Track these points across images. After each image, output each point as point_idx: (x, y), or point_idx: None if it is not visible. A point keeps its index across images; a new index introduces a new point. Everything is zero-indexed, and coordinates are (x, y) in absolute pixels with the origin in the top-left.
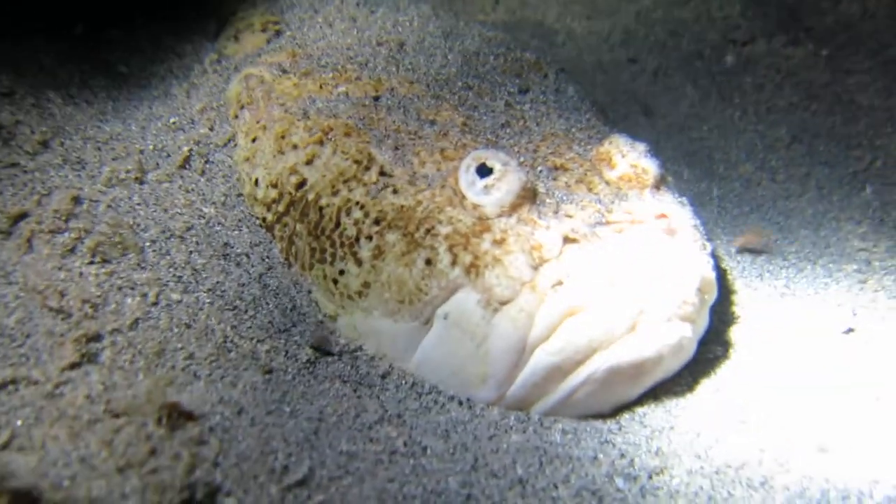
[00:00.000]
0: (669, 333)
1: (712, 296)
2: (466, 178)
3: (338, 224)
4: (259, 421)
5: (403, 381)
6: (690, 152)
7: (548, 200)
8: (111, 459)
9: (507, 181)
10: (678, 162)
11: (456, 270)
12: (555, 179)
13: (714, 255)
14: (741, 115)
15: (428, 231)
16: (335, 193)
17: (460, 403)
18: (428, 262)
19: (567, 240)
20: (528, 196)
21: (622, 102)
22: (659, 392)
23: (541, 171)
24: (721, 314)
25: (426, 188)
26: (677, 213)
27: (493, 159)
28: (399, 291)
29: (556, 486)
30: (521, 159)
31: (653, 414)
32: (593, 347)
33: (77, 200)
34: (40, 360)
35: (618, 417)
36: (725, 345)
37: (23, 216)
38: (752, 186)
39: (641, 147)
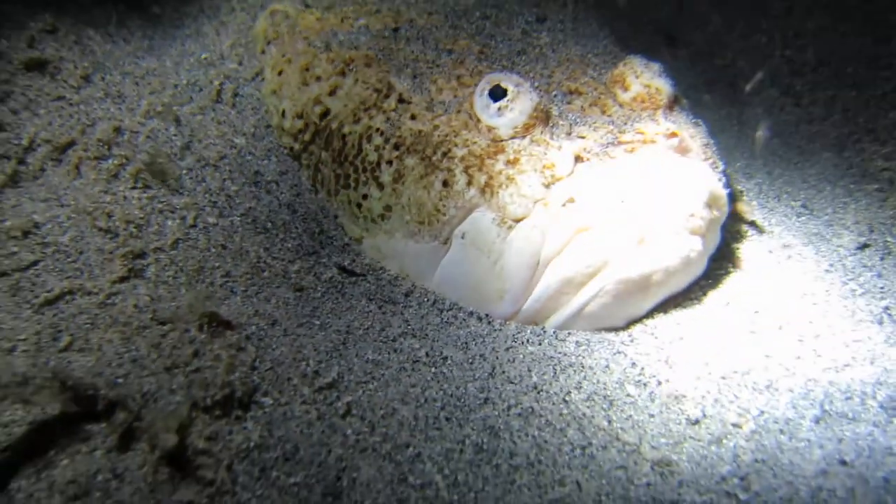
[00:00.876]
0: (677, 246)
1: (723, 211)
2: (481, 102)
3: (360, 150)
4: (291, 332)
5: (425, 299)
6: (713, 79)
7: (561, 122)
8: (159, 360)
9: (519, 102)
10: (699, 89)
11: (472, 191)
12: (569, 103)
13: (726, 175)
14: (768, 41)
15: (445, 154)
16: (357, 121)
17: (479, 319)
18: (445, 183)
19: (578, 159)
20: (541, 117)
21: (646, 32)
22: (670, 306)
23: (555, 96)
24: (734, 233)
25: (443, 113)
26: (690, 132)
27: (507, 81)
28: (419, 213)
29: (569, 392)
30: (536, 84)
31: (663, 326)
32: (604, 261)
33: (119, 131)
34: (93, 273)
35: (630, 330)
36: (737, 261)
37: (70, 144)
38: (775, 111)
39: (655, 67)
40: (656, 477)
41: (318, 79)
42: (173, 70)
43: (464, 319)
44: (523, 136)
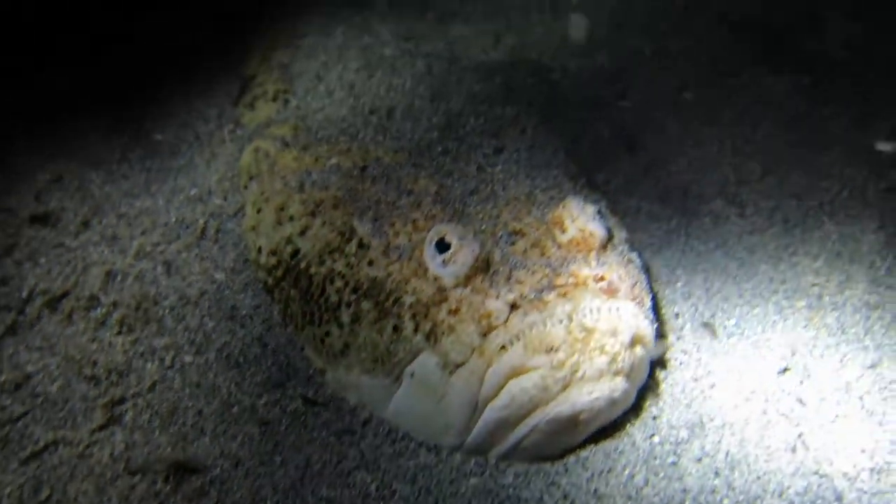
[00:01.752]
0: (601, 388)
1: (647, 348)
2: (429, 252)
3: (323, 291)
4: (252, 472)
5: (381, 429)
6: (667, 188)
7: (501, 268)
8: None
9: (462, 255)
10: (653, 199)
11: (418, 336)
12: (513, 244)
13: (655, 310)
14: (718, 149)
15: (396, 301)
16: (322, 263)
17: (428, 449)
18: (395, 328)
19: (514, 306)
20: (482, 267)
21: (609, 138)
22: (601, 436)
23: (501, 237)
24: (663, 361)
25: (397, 259)
26: (620, 272)
27: (451, 234)
28: (373, 353)
29: None
30: (483, 226)
31: (594, 457)
32: (534, 403)
33: (110, 274)
34: (76, 422)
35: (565, 460)
36: (662, 392)
37: (65, 295)
38: (720, 222)
39: (590, 211)
40: None
41: (291, 219)
42: (164, 208)
43: (414, 450)
44: (465, 286)
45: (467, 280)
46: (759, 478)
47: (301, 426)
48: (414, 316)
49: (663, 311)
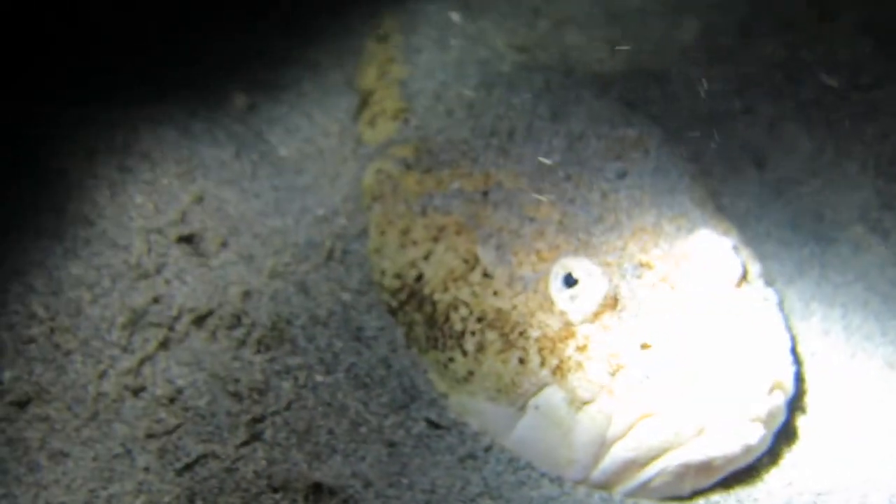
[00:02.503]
0: (735, 437)
1: (787, 393)
2: (555, 286)
3: (447, 318)
4: (382, 493)
5: (503, 456)
6: (799, 211)
7: (629, 305)
8: None
9: (590, 293)
10: (783, 226)
11: (544, 371)
12: (639, 278)
13: (794, 351)
14: (859, 169)
15: (521, 333)
16: (446, 290)
17: (551, 480)
18: (521, 360)
19: (643, 346)
20: (610, 304)
21: (735, 155)
22: (732, 481)
23: (627, 270)
24: (804, 404)
25: (522, 291)
26: (757, 312)
27: (579, 270)
28: (497, 382)
29: None
30: (610, 258)
31: (724, 502)
32: (664, 447)
33: (247, 294)
34: (223, 437)
35: (693, 500)
36: (799, 437)
37: (209, 314)
38: (860, 251)
39: (724, 245)
40: None
41: (415, 243)
42: (293, 228)
43: (536, 480)
44: (593, 322)
45: (595, 316)
46: None
47: (426, 449)
48: (540, 350)
49: (799, 348)
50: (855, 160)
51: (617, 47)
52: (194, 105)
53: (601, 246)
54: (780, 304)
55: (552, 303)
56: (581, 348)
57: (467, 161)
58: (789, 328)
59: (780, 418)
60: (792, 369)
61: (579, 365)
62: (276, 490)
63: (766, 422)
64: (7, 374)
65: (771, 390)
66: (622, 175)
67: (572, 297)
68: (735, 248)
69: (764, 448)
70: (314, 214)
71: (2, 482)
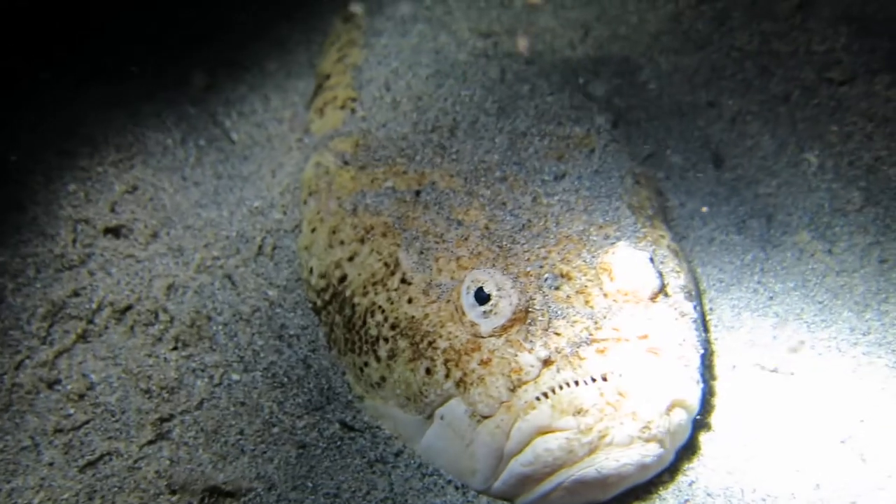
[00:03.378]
0: (629, 456)
1: (690, 411)
2: (467, 300)
3: (364, 322)
4: (284, 496)
5: (412, 461)
6: (751, 213)
7: (540, 318)
8: None
9: (501, 308)
10: (731, 228)
11: (449, 382)
12: (557, 289)
13: (703, 367)
14: (817, 171)
15: (430, 344)
16: (365, 294)
17: (456, 488)
18: (428, 371)
19: (547, 362)
20: (520, 318)
21: (694, 150)
22: (632, 496)
23: (546, 279)
24: (710, 423)
25: (436, 299)
26: (666, 330)
27: (490, 285)
28: (406, 390)
29: None
30: (528, 268)
31: None
32: (559, 464)
33: (172, 287)
34: (129, 434)
35: None
36: (703, 454)
37: (129, 308)
38: (804, 258)
39: (640, 258)
40: None
41: (342, 243)
42: (228, 220)
43: (442, 487)
44: (500, 336)
45: (504, 330)
46: None
47: (337, 451)
48: (446, 362)
49: (719, 359)
50: (814, 161)
51: (589, 31)
52: (151, 85)
53: (523, 255)
54: (700, 318)
55: (463, 314)
56: (484, 363)
57: (404, 158)
58: (706, 342)
59: (682, 436)
60: (697, 388)
61: (481, 379)
62: (174, 492)
63: (664, 440)
64: None
65: (670, 409)
66: (560, 177)
67: (483, 312)
68: (652, 261)
69: (663, 465)
70: (250, 206)
71: None
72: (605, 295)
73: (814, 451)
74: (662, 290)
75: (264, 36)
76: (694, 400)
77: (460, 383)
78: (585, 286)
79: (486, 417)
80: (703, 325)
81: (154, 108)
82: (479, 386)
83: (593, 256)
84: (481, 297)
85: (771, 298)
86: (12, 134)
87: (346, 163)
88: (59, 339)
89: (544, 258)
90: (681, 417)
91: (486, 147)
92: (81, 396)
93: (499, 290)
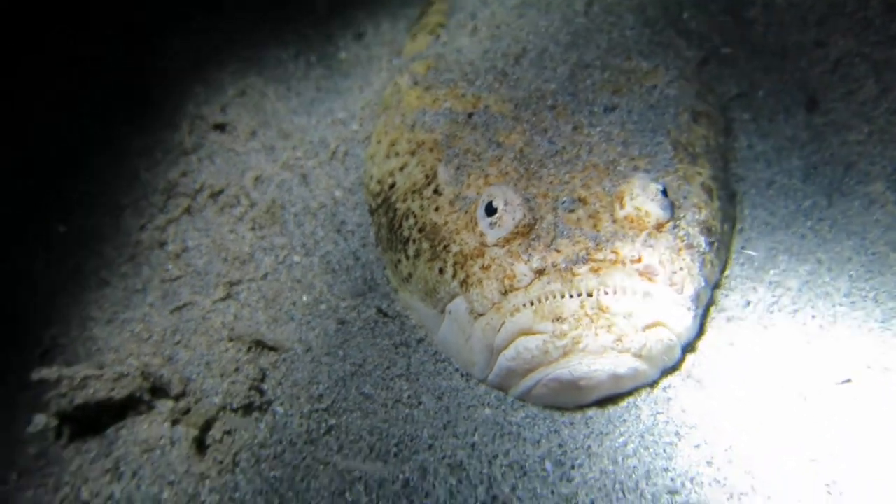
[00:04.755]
0: (601, 364)
1: (673, 334)
2: (479, 211)
3: (400, 225)
4: (317, 359)
5: (429, 349)
6: (828, 159)
7: (545, 234)
8: (217, 367)
9: (503, 222)
10: (796, 174)
11: (455, 282)
12: (571, 211)
13: (700, 297)
14: None
15: (445, 247)
16: (405, 200)
17: (462, 376)
18: (440, 270)
19: (541, 273)
20: (523, 232)
21: (789, 92)
22: (612, 402)
23: (563, 202)
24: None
25: (457, 210)
26: (663, 258)
27: (499, 200)
28: (425, 286)
29: (496, 456)
30: (547, 190)
31: (598, 418)
32: (537, 362)
33: (258, 179)
34: (208, 292)
35: (573, 414)
36: (689, 376)
37: (222, 191)
38: (872, 208)
39: (653, 189)
40: None
41: (397, 154)
42: (314, 127)
43: (450, 374)
44: (502, 247)
45: (506, 241)
46: (752, 476)
47: (370, 332)
48: (455, 264)
49: (734, 294)
50: None
51: None
52: (278, 11)
53: (547, 178)
54: (717, 254)
55: (476, 224)
56: (485, 268)
57: (465, 82)
58: (712, 276)
59: (666, 356)
60: (686, 314)
61: (480, 282)
62: (231, 340)
63: (641, 356)
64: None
65: (649, 327)
66: (610, 109)
67: (490, 223)
68: (664, 193)
69: (641, 381)
70: (334, 117)
71: (57, 304)
72: (615, 221)
73: (808, 388)
74: (671, 221)
75: None
76: (678, 324)
77: (463, 283)
78: (598, 211)
79: (480, 315)
80: (721, 261)
81: (274, 27)
82: (477, 287)
83: (613, 185)
84: (490, 210)
85: (819, 245)
86: (158, 48)
87: (416, 83)
88: (171, 210)
89: (566, 183)
90: (661, 337)
91: (546, 76)
92: (178, 257)
93: (506, 204)
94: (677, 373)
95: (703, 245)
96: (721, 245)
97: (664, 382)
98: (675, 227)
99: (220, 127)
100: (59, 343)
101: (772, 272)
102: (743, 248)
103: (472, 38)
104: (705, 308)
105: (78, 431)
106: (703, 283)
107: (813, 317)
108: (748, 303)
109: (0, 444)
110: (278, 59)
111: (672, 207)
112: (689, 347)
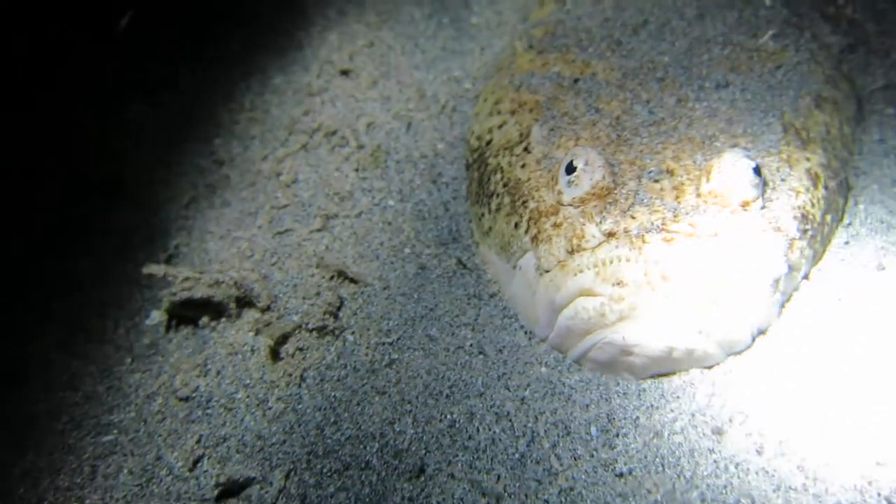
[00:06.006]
0: (655, 334)
1: (740, 317)
2: (561, 170)
3: (489, 179)
4: (392, 297)
5: (500, 304)
6: None
7: (622, 201)
8: (302, 289)
9: (580, 181)
10: None
11: (527, 237)
12: (656, 181)
13: (774, 286)
14: None
15: (523, 203)
16: (496, 156)
17: (525, 333)
18: (516, 225)
19: (611, 235)
20: (600, 194)
21: None
22: (667, 377)
23: (651, 172)
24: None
25: (542, 168)
26: (741, 237)
27: (580, 160)
28: (501, 240)
29: (542, 412)
30: (636, 158)
31: (651, 391)
32: (593, 324)
33: (371, 125)
34: (307, 222)
35: (627, 385)
36: (757, 360)
37: (335, 132)
38: None
39: (742, 166)
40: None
41: (499, 113)
42: (430, 82)
43: (515, 329)
44: (577, 207)
45: (582, 202)
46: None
47: (447, 280)
48: (529, 220)
49: (827, 286)
50: None
51: None
52: None
53: (639, 146)
54: (799, 238)
55: (556, 182)
56: (556, 225)
57: (577, 48)
58: (789, 262)
59: (732, 339)
60: (759, 298)
61: (549, 239)
62: (318, 266)
63: (701, 333)
64: (217, 142)
65: (712, 307)
66: (722, 86)
67: (568, 182)
68: (756, 172)
69: (701, 358)
70: (450, 74)
71: (187, 216)
72: (699, 195)
73: (878, 394)
74: (758, 200)
75: None
76: (747, 307)
77: (535, 239)
78: (683, 183)
79: (546, 272)
80: (815, 251)
81: None
82: (546, 244)
83: (705, 159)
84: (570, 169)
85: None
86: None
87: (530, 46)
88: (290, 144)
89: (657, 153)
90: (726, 317)
91: (662, 49)
92: (288, 187)
93: (586, 164)
94: (742, 356)
95: (794, 230)
96: (817, 234)
97: (727, 365)
98: (762, 206)
99: (346, 73)
100: (180, 251)
101: (873, 272)
102: (847, 242)
103: (596, 6)
104: (787, 295)
105: (182, 325)
106: (785, 269)
107: None
108: (839, 299)
109: (126, 331)
110: (412, 17)
111: (763, 187)
112: (762, 332)
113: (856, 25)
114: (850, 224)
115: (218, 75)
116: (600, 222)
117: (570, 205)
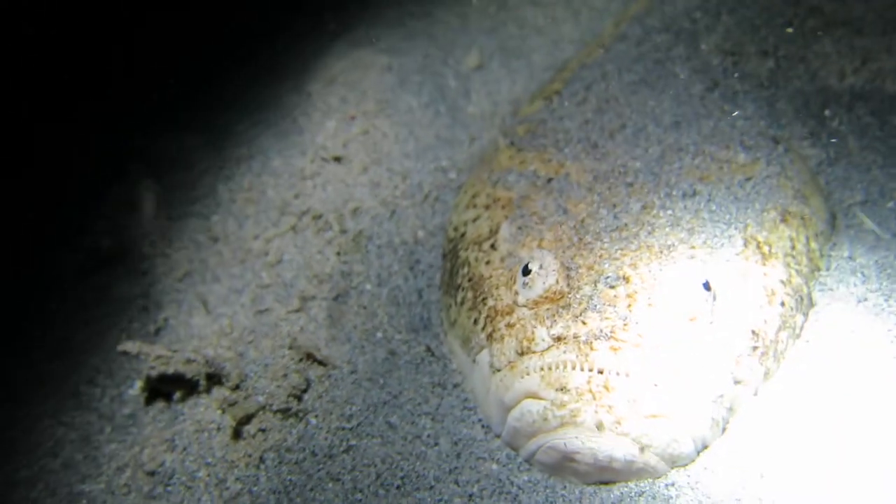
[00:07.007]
0: (598, 442)
1: (682, 430)
2: (519, 271)
3: (458, 272)
4: (359, 381)
5: (461, 395)
6: None
7: (575, 305)
8: (271, 371)
9: (537, 283)
10: (887, 300)
11: (483, 334)
12: (612, 287)
13: (718, 401)
14: None
15: (483, 300)
16: (466, 249)
17: (483, 427)
18: (475, 321)
19: (559, 340)
20: (553, 298)
21: None
22: (614, 486)
23: (608, 277)
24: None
25: (505, 267)
26: (684, 351)
27: (536, 263)
28: (463, 333)
29: None
30: (594, 263)
31: (592, 498)
32: (537, 427)
33: (357, 210)
34: (287, 301)
35: (573, 489)
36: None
37: (321, 216)
38: None
39: (689, 281)
40: None
41: (475, 206)
42: (417, 171)
43: (473, 422)
44: (531, 308)
45: (535, 304)
46: None
47: (414, 367)
48: (487, 317)
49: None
50: None
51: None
52: (430, 55)
53: (598, 251)
54: (748, 355)
55: (514, 282)
56: (510, 325)
57: (554, 148)
58: (735, 378)
59: (668, 450)
60: (701, 413)
61: (502, 338)
62: (290, 348)
63: (641, 444)
64: (214, 218)
65: (651, 417)
66: (689, 195)
67: (523, 283)
68: (706, 287)
69: (641, 469)
70: (438, 164)
71: (179, 290)
72: (650, 305)
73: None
74: (706, 314)
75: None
76: (688, 420)
77: (490, 337)
78: (637, 292)
79: (497, 371)
80: (766, 367)
81: (420, 79)
82: (499, 343)
83: (660, 269)
84: (526, 271)
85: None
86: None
87: (511, 143)
88: (280, 225)
89: (616, 259)
90: (666, 429)
91: (635, 154)
92: (273, 266)
93: (541, 268)
94: (685, 470)
95: (742, 346)
96: (768, 351)
97: (669, 478)
98: (710, 322)
99: (338, 159)
100: (169, 324)
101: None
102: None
103: (579, 108)
104: (733, 411)
105: (158, 399)
106: (730, 385)
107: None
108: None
109: (110, 399)
110: (409, 106)
111: (712, 301)
112: (706, 447)
113: (838, 137)
114: (807, 341)
115: (225, 153)
116: (550, 326)
117: (525, 306)
